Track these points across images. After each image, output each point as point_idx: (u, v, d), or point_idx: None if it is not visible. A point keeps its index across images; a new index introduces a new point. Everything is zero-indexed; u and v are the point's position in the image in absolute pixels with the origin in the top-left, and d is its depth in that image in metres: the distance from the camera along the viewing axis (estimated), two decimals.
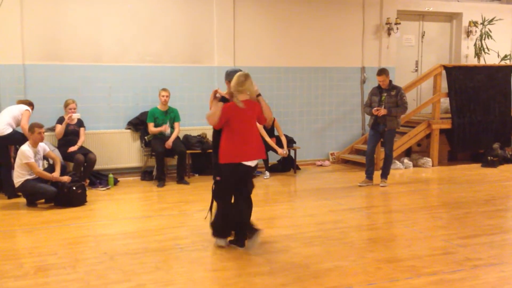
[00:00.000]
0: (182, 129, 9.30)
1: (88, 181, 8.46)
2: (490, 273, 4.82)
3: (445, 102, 11.07)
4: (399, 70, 11.44)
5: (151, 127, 8.88)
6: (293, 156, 9.96)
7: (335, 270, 4.86)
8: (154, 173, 9.02)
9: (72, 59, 8.98)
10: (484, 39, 11.73)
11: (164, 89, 8.96)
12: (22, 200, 7.49)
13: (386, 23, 11.09)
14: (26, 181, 7.20)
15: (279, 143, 9.50)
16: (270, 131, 9.49)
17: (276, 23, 10.34)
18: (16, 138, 7.68)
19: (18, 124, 7.83)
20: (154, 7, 9.46)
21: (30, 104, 8.13)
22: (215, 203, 5.59)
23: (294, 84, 10.52)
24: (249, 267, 5.04)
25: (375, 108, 8.44)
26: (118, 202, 7.72)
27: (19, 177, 7.23)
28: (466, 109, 10.75)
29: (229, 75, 5.58)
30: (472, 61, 11.93)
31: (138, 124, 9.30)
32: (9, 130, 7.68)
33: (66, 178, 7.32)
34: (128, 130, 9.33)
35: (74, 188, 7.26)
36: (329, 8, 10.71)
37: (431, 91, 11.02)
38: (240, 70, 5.56)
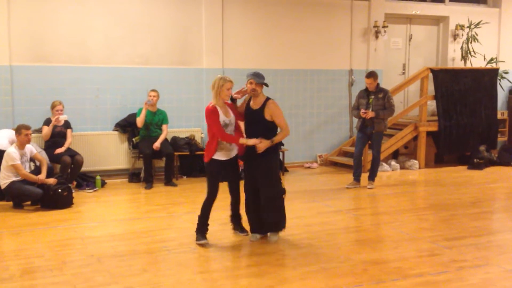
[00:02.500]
0: (170, 131, 9.28)
1: (75, 183, 8.42)
2: (476, 275, 4.87)
3: (432, 104, 11.15)
4: (386, 73, 11.51)
5: (139, 118, 8.83)
6: (281, 158, 9.99)
7: (322, 272, 4.89)
8: (142, 175, 8.99)
9: (59, 60, 8.93)
10: (471, 42, 11.83)
11: (152, 90, 8.96)
12: (9, 202, 7.44)
13: (374, 26, 11.16)
14: (12, 183, 7.15)
15: None
16: None
17: (265, 26, 10.36)
18: None
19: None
20: (142, 8, 9.44)
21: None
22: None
23: (282, 86, 10.55)
24: (237, 269, 5.05)
25: (362, 111, 8.49)
26: (105, 204, 7.69)
27: (5, 178, 7.18)
28: (452, 111, 10.84)
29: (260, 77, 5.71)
30: (459, 64, 12.02)
31: (125, 126, 9.26)
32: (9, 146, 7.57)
33: (51, 181, 7.27)
34: (116, 132, 9.29)
35: (59, 190, 7.21)
36: (318, 11, 10.76)
37: (418, 94, 11.10)
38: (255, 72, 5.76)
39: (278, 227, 5.85)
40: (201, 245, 5.61)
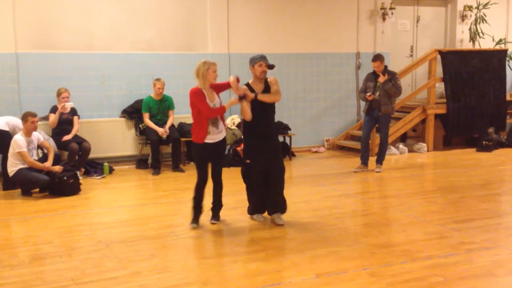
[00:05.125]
0: (177, 117, 9.26)
1: (83, 170, 8.44)
2: (485, 257, 4.84)
3: (440, 87, 11.06)
4: (394, 55, 11.41)
5: (147, 119, 8.84)
6: (288, 142, 9.96)
7: (330, 256, 4.88)
8: (149, 161, 9.00)
9: (64, 47, 8.90)
10: (479, 24, 11.69)
11: (158, 80, 8.89)
12: (17, 189, 7.47)
13: (381, 8, 11.04)
14: (19, 170, 7.17)
15: None
16: None
17: (270, 9, 10.27)
18: (5, 139, 7.46)
19: (12, 132, 7.65)
20: None
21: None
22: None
23: (288, 70, 10.48)
24: (245, 253, 5.06)
25: (368, 94, 8.43)
26: (113, 190, 7.72)
27: (12, 166, 7.21)
28: (461, 94, 10.75)
29: (253, 60, 5.83)
30: (467, 45, 11.89)
31: (132, 112, 9.25)
32: (6, 128, 7.60)
33: (57, 168, 7.27)
34: (123, 119, 9.29)
35: (65, 178, 7.21)
36: None
37: (426, 76, 10.99)
38: (263, 55, 5.88)
39: (285, 207, 6.01)
40: (193, 229, 5.67)
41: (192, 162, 9.44)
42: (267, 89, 5.83)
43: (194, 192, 5.78)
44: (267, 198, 5.95)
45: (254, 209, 6.04)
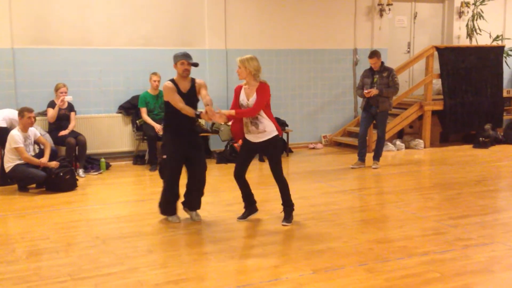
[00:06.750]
0: None
1: (79, 165, 8.41)
2: (481, 253, 4.86)
3: (437, 83, 11.08)
4: (391, 51, 11.41)
5: (144, 114, 8.83)
6: (285, 139, 9.96)
7: (327, 251, 4.89)
8: (146, 157, 8.99)
9: (61, 43, 8.88)
10: (476, 20, 11.70)
11: (154, 73, 8.89)
12: (14, 185, 7.45)
13: (378, 4, 11.03)
14: (16, 166, 7.15)
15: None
16: None
17: (267, 5, 10.25)
18: (2, 136, 7.46)
19: (10, 126, 7.66)
20: None
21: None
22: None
23: (285, 66, 10.48)
24: (242, 249, 5.06)
25: (365, 90, 8.43)
26: (110, 186, 7.70)
27: (9, 162, 7.19)
28: (458, 90, 10.76)
29: (175, 58, 5.69)
30: (464, 42, 11.90)
31: (129, 108, 9.23)
32: (4, 124, 7.59)
33: (53, 164, 7.25)
34: (120, 114, 9.27)
35: (61, 174, 7.20)
36: None
37: (423, 73, 11.01)
38: (186, 52, 5.69)
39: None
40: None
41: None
42: (193, 88, 5.67)
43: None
44: (187, 195, 5.91)
45: (168, 209, 5.86)
